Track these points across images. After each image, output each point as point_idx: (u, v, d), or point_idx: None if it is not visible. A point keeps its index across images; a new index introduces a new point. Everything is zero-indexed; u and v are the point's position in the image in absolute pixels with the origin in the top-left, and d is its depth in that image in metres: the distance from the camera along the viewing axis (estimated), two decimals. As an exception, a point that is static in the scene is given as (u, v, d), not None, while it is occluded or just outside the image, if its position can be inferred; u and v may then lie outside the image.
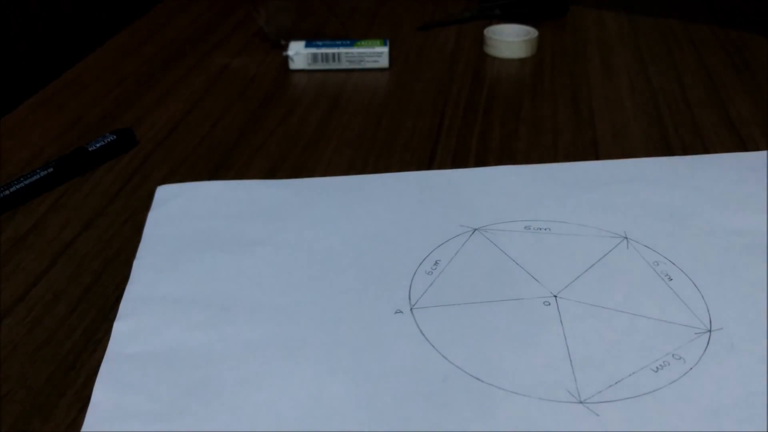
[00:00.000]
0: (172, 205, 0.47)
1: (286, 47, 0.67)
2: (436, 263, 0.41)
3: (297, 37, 0.70)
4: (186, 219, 0.45)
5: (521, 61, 0.68)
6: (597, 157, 0.52)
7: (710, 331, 0.36)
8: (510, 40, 0.68)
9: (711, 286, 0.39)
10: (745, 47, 0.70)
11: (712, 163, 0.50)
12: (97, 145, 0.52)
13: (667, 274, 0.40)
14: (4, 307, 0.39)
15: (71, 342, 0.37)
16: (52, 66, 0.72)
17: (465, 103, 0.61)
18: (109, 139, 0.53)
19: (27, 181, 0.48)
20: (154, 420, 0.32)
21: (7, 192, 0.47)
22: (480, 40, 0.73)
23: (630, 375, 0.34)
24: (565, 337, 0.36)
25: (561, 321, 0.37)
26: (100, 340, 0.37)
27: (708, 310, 0.38)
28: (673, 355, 0.35)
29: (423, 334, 0.36)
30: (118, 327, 0.37)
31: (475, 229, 0.44)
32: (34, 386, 0.35)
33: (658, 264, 0.41)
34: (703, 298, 0.39)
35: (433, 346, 0.36)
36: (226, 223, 0.45)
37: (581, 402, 0.33)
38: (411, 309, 0.38)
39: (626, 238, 0.43)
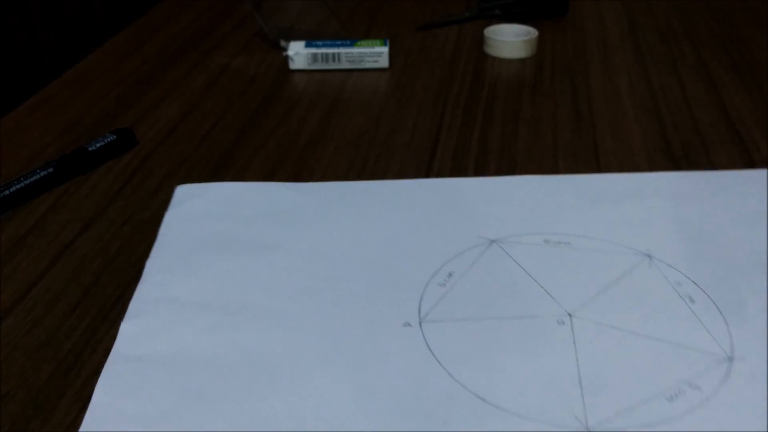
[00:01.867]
0: (189, 205, 0.46)
1: (286, 47, 0.67)
2: (449, 275, 0.40)
3: (297, 37, 0.70)
4: (202, 220, 0.45)
5: (521, 61, 0.68)
6: (596, 157, 0.52)
7: (731, 359, 0.34)
8: (510, 40, 0.68)
9: (735, 312, 0.37)
10: (745, 47, 0.70)
11: (743, 179, 0.48)
12: (97, 145, 0.52)
13: (690, 296, 0.38)
14: (4, 307, 0.39)
15: (71, 342, 0.37)
16: (52, 66, 0.72)
17: (465, 103, 0.61)
18: (109, 139, 0.53)
19: (27, 181, 0.48)
20: (153, 424, 0.32)
21: (7, 192, 0.47)
22: (480, 40, 0.73)
23: (642, 402, 0.32)
24: (577, 359, 0.35)
25: (574, 341, 0.36)
26: (100, 340, 0.37)
27: (730, 337, 0.36)
28: (689, 383, 0.33)
29: (430, 350, 0.35)
30: (125, 328, 0.37)
31: (492, 241, 0.43)
32: (34, 386, 0.35)
33: (680, 285, 0.39)
34: (725, 323, 0.36)
35: (439, 363, 0.35)
36: (241, 226, 0.44)
37: (588, 430, 0.31)
38: (420, 322, 0.37)
39: (649, 255, 0.41)
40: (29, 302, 0.40)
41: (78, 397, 0.34)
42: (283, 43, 0.69)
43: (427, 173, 0.50)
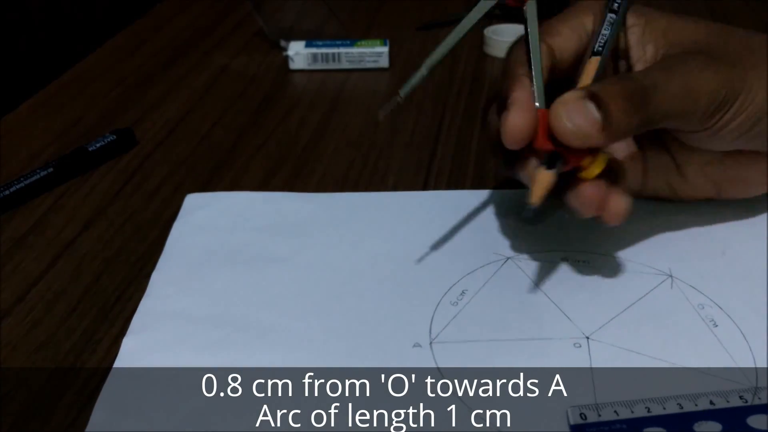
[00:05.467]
0: (198, 215, 0.45)
1: (286, 47, 0.67)
2: (462, 293, 0.39)
3: (297, 37, 0.70)
4: (210, 231, 0.44)
5: (521, 61, 0.68)
6: (597, 157, 0.52)
7: (756, 388, 0.33)
8: (510, 40, 0.68)
9: (760, 337, 0.35)
10: (745, 47, 0.70)
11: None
12: (97, 145, 0.52)
13: (713, 320, 0.37)
14: (4, 307, 0.39)
15: (71, 342, 0.37)
16: (52, 66, 0.72)
17: (465, 104, 0.61)
18: (109, 139, 0.53)
19: (27, 181, 0.48)
20: None
21: (7, 192, 0.47)
22: (480, 40, 0.73)
23: None
24: (594, 385, 0.33)
25: (591, 366, 0.34)
26: (100, 340, 0.37)
27: (755, 364, 0.34)
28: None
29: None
30: (127, 343, 0.36)
31: (509, 258, 0.41)
32: (34, 386, 0.35)
33: (703, 307, 0.37)
34: (750, 349, 0.35)
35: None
36: (250, 237, 0.43)
37: None
38: (430, 343, 0.36)
39: (671, 276, 0.40)
40: (29, 302, 0.40)
41: (78, 397, 0.34)
42: (283, 43, 0.69)
43: (427, 173, 0.51)
